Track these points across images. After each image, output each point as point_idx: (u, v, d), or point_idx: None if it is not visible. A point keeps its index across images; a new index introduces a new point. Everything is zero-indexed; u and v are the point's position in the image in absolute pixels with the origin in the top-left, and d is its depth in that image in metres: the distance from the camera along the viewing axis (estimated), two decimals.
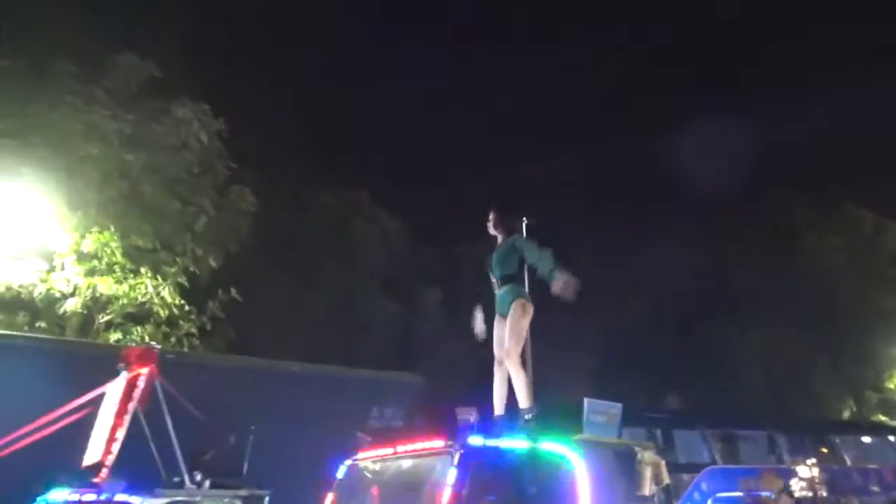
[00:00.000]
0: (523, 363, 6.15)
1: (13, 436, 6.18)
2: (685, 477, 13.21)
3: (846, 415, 23.86)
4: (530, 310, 6.14)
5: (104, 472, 5.58)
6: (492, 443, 5.24)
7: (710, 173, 25.53)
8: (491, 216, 6.39)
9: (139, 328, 11.69)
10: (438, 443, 5.23)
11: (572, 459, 5.36)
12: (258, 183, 14.04)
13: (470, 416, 5.43)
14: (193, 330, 12.19)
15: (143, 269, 11.20)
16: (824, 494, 14.40)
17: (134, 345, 9.01)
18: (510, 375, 6.07)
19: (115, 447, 5.70)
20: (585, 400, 11.46)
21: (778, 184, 28.48)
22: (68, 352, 8.54)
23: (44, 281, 11.00)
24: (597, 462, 5.43)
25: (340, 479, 5.88)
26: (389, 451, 5.57)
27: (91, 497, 5.56)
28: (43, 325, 11.75)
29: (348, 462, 5.92)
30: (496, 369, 6.24)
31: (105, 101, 11.71)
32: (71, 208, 11.40)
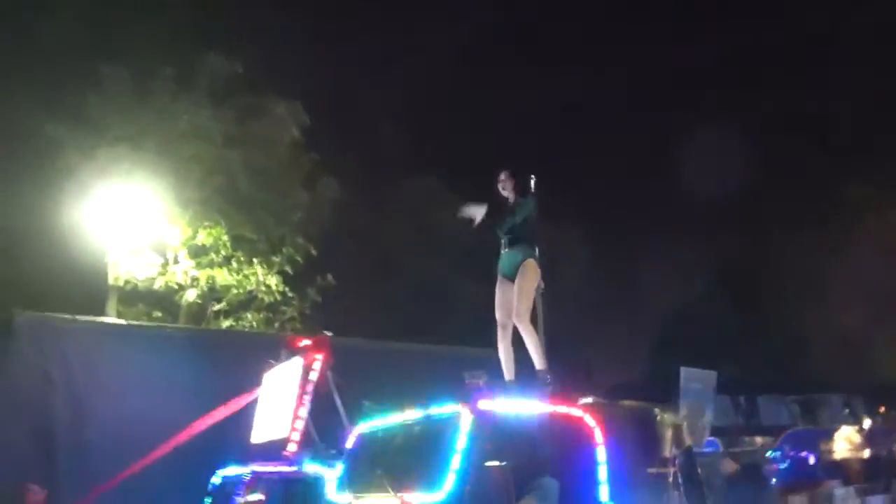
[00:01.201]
0: (534, 325, 6.01)
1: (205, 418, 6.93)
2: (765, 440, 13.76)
3: None
4: (538, 270, 6.07)
5: (293, 446, 6.27)
6: (503, 406, 5.06)
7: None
8: (501, 176, 6.26)
9: (249, 315, 12.50)
10: (448, 408, 5.04)
11: (588, 422, 5.16)
12: (344, 170, 14.66)
13: (479, 379, 5.34)
14: (295, 315, 12.95)
15: (255, 260, 11.97)
16: None
17: (297, 333, 9.66)
18: (523, 337, 5.93)
19: (299, 424, 6.37)
20: (682, 368, 12.05)
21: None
22: (218, 341, 9.31)
23: (162, 274, 11.83)
24: (615, 425, 5.26)
25: (350, 449, 5.78)
26: (399, 417, 5.41)
27: (283, 468, 6.26)
28: (159, 314, 12.65)
29: (357, 430, 5.79)
30: (500, 334, 6.14)
31: (206, 103, 12.41)
32: (179, 205, 12.17)
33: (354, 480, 5.43)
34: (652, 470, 5.72)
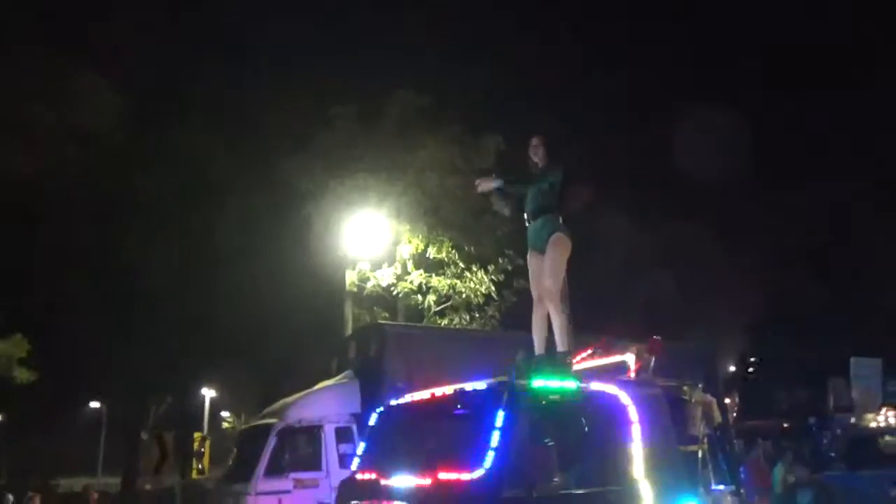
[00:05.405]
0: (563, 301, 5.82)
1: None
2: None
3: None
4: (570, 244, 5.85)
5: None
6: (539, 384, 5.05)
7: None
8: (534, 141, 6.12)
9: (462, 313, 14.95)
10: (484, 384, 5.06)
11: (621, 400, 5.15)
12: None
13: (517, 356, 5.44)
14: (496, 314, 15.36)
15: (483, 270, 14.45)
16: None
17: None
18: (551, 315, 5.78)
19: None
20: (852, 358, 14.10)
21: None
22: (513, 340, 11.71)
23: (402, 281, 14.35)
24: (646, 402, 5.23)
25: (373, 426, 5.65)
26: (429, 394, 5.39)
27: None
28: (386, 314, 15.16)
29: (382, 408, 5.70)
30: (535, 307, 5.96)
31: (428, 137, 14.82)
32: (409, 223, 14.63)
33: (380, 458, 5.29)
34: (684, 448, 5.57)
